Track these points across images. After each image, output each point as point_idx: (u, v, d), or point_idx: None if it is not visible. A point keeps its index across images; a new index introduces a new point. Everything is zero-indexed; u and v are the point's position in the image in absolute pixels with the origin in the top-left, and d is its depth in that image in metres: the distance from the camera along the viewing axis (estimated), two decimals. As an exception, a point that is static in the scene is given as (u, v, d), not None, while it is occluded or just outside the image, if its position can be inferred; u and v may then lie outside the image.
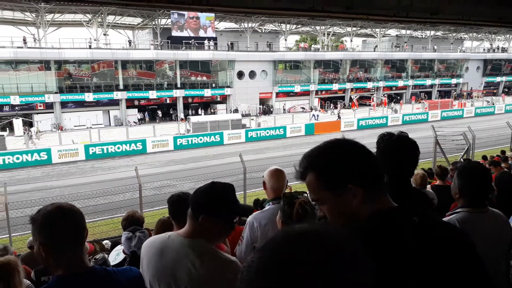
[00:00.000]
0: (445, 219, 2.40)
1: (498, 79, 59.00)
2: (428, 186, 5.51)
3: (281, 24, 47.60)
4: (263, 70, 43.82)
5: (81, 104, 36.19)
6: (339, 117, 36.39)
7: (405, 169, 2.13)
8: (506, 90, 59.74)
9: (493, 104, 44.11)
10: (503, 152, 12.38)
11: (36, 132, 30.40)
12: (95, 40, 37.88)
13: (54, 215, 1.56)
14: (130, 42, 39.42)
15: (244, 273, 0.69)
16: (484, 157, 11.10)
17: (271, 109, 43.90)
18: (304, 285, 0.65)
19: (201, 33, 41.62)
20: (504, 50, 61.57)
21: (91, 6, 33.05)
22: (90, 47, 36.36)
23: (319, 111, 42.88)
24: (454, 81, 55.97)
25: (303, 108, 45.74)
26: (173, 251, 1.85)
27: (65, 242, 1.55)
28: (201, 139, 26.96)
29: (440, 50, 55.17)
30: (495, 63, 58.46)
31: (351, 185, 1.13)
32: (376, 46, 54.76)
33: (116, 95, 37.01)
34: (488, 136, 17.03)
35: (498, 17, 10.33)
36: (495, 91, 58.14)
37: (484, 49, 61.52)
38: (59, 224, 1.55)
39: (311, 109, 44.29)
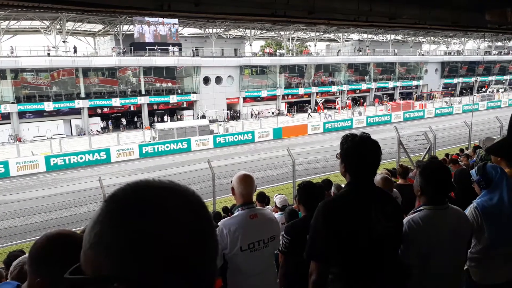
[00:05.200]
0: (408, 217, 2.46)
1: (455, 80, 61.77)
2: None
3: (246, 30, 47.82)
4: (229, 76, 43.80)
5: (40, 114, 34.82)
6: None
7: (367, 168, 2.17)
8: (464, 91, 62.59)
9: (451, 105, 46.02)
10: (461, 150, 12.93)
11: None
12: (53, 47, 36.61)
13: None
14: (75, 48, 37.80)
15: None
16: (447, 155, 11.53)
17: (238, 114, 43.91)
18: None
19: (167, 33, 41.12)
20: (459, 52, 64.53)
21: (48, 13, 31.94)
22: (48, 55, 35.09)
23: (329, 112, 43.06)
24: (414, 83, 58.07)
25: (272, 112, 45.99)
26: None
27: None
28: (167, 147, 26.54)
29: (401, 54, 57.11)
30: (452, 65, 61.16)
31: None
32: (339, 50, 55.98)
33: (78, 103, 35.86)
34: (448, 135, 17.72)
35: (451, 21, 10.82)
36: (452, 92, 60.76)
37: (442, 52, 64.26)
38: None
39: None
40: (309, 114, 43.10)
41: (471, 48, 67.89)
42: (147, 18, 38.51)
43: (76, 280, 0.65)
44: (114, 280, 0.61)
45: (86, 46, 43.62)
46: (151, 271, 0.62)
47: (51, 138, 31.84)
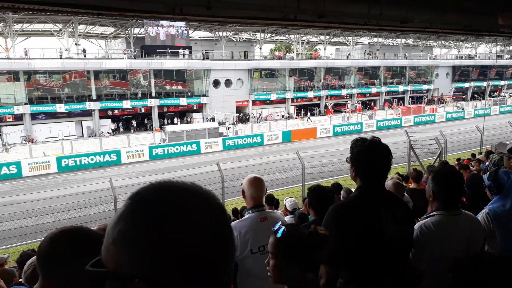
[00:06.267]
0: (420, 222, 2.44)
1: (467, 84, 61.13)
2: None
3: (256, 33, 47.95)
4: (239, 79, 43.91)
5: (52, 115, 35.25)
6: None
7: (378, 173, 2.17)
8: (476, 95, 61.93)
9: (463, 109, 45.55)
10: (473, 155, 12.77)
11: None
12: (66, 50, 37.10)
13: None
14: (84, 51, 38.14)
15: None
16: (458, 160, 11.42)
17: (247, 117, 43.94)
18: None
19: (176, 37, 41.40)
20: (471, 57, 63.89)
21: (61, 16, 32.38)
22: (61, 57, 35.55)
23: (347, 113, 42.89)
24: (425, 87, 57.59)
25: (282, 115, 45.91)
26: None
27: None
28: (177, 149, 26.66)
29: (411, 57, 56.70)
30: (463, 69, 60.55)
31: None
32: (349, 54, 55.82)
33: (89, 105, 36.23)
34: (459, 140, 17.54)
35: (464, 25, 10.73)
36: (464, 96, 60.13)
37: (453, 56, 63.67)
38: None
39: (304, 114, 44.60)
40: (308, 117, 43.14)
41: (483, 52, 67.19)
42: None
43: (98, 273, 0.67)
44: (136, 276, 0.63)
45: (98, 49, 44.13)
46: (171, 270, 0.63)
47: (63, 139, 32.20)
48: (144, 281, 0.63)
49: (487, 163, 8.07)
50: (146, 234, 0.64)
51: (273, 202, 6.96)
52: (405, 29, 10.72)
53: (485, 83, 60.53)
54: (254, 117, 43.86)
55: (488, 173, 3.07)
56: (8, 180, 21.13)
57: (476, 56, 64.44)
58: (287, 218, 5.42)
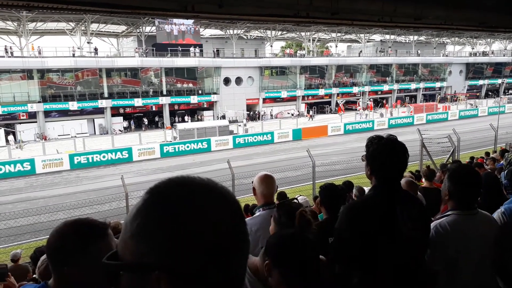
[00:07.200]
0: (435, 222, 2.39)
1: (481, 82, 60.22)
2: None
3: (267, 31, 47.88)
4: (249, 76, 43.90)
5: (65, 113, 35.69)
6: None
7: (394, 171, 2.13)
8: (490, 93, 60.98)
9: (476, 107, 44.91)
10: (487, 153, 12.55)
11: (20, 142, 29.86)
12: (78, 48, 37.49)
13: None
14: (96, 49, 38.35)
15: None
16: (472, 159, 11.25)
17: (258, 115, 43.91)
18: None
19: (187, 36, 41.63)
20: (485, 54, 62.86)
21: (74, 14, 32.73)
22: (73, 56, 35.96)
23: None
24: (438, 84, 56.90)
25: (292, 114, 45.80)
26: None
27: None
28: (188, 146, 26.79)
29: (424, 55, 56.07)
30: (477, 66, 59.65)
31: None
32: (361, 51, 55.39)
33: (101, 103, 36.60)
34: (473, 138, 17.27)
35: (479, 22, 10.54)
36: (478, 94, 59.25)
37: (467, 53, 62.76)
38: None
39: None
40: (311, 116, 42.98)
41: (497, 49, 66.08)
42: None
43: (115, 265, 0.68)
44: (155, 268, 0.64)
45: (110, 47, 44.50)
46: (187, 263, 0.65)
47: (75, 137, 32.59)
48: (164, 272, 0.64)
49: (502, 162, 7.94)
50: (163, 228, 0.65)
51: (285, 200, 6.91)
52: (420, 26, 10.59)
53: (499, 81, 59.58)
54: (258, 114, 43.80)
55: (505, 172, 3.00)
56: (22, 177, 21.46)
57: (491, 53, 63.35)
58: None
